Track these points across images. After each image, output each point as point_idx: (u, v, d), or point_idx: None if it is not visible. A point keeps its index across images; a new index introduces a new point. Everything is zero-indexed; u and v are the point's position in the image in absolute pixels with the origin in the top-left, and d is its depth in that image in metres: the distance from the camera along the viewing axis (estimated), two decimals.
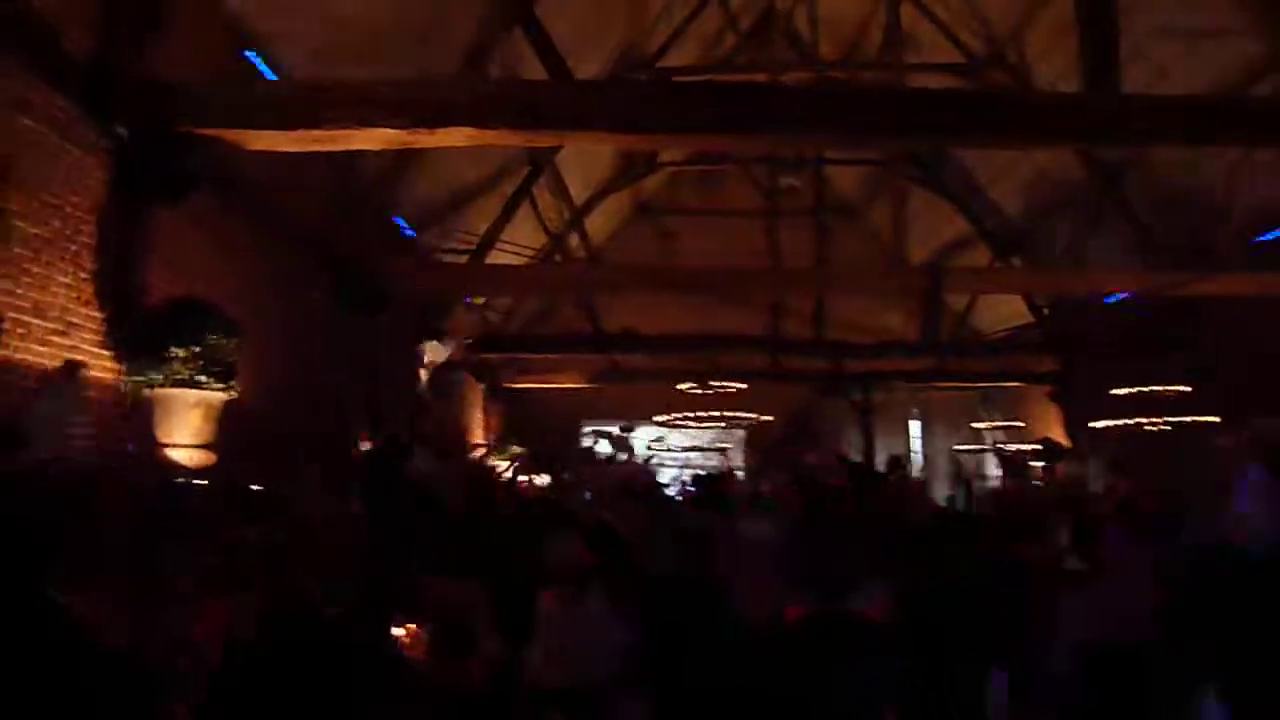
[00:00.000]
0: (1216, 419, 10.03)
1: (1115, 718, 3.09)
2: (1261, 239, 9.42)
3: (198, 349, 4.68)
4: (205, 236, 6.08)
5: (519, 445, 15.13)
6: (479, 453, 13.74)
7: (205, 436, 4.86)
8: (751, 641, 2.88)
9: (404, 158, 8.42)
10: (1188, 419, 10.12)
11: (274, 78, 6.68)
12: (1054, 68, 10.80)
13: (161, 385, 4.65)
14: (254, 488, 5.10)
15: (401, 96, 4.77)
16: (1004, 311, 15.61)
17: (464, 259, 11.56)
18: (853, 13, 13.77)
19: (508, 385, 15.35)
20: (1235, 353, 10.68)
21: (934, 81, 11.58)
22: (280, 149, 4.94)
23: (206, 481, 4.75)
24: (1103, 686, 3.11)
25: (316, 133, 4.77)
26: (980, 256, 14.94)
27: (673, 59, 13.53)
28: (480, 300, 13.80)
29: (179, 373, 4.63)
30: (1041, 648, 3.72)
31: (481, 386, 14.96)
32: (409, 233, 10.29)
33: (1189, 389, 10.53)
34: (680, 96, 5.21)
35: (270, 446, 6.06)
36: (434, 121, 4.77)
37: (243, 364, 5.29)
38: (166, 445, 4.69)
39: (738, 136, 5.39)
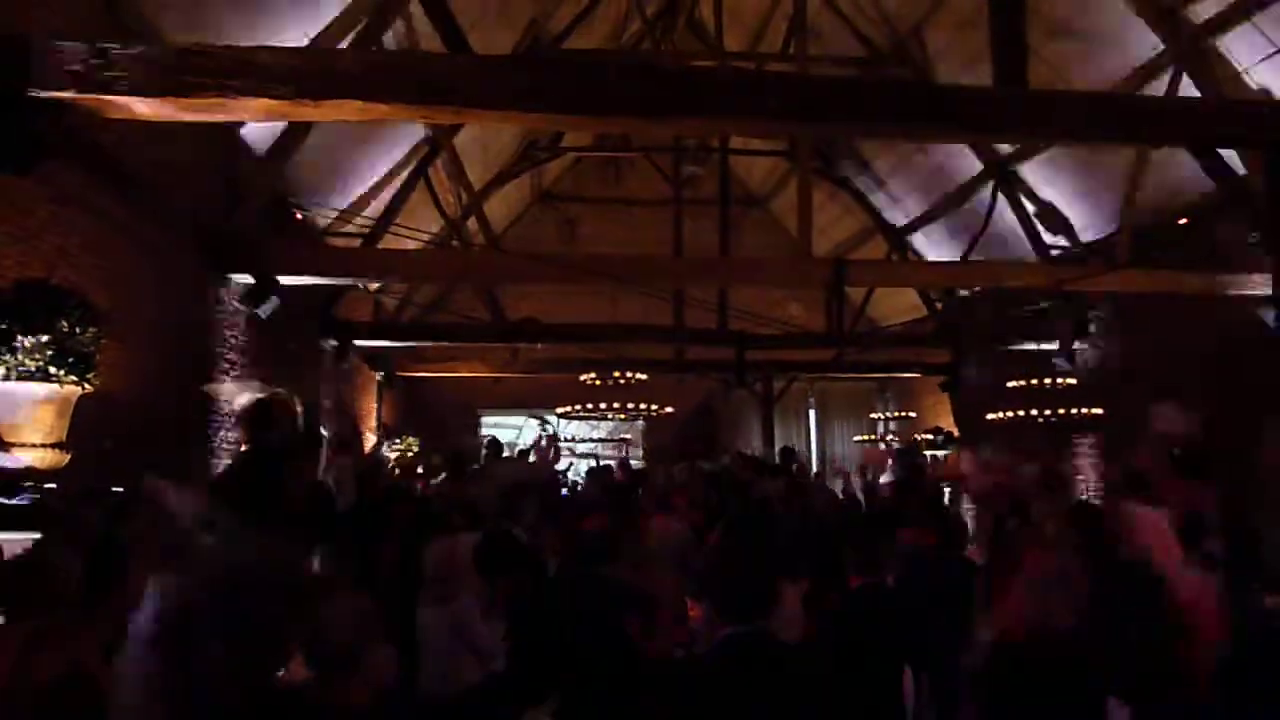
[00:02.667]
0: (1100, 411, 10.39)
1: (1029, 715, 3.00)
2: (1153, 236, 9.76)
3: (48, 338, 4.20)
4: (68, 214, 5.54)
5: (414, 436, 14.71)
6: (372, 446, 13.26)
7: (58, 434, 4.40)
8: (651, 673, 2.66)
9: (294, 133, 7.92)
10: (1074, 410, 10.46)
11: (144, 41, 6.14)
12: (954, 64, 10.98)
13: (5, 378, 4.16)
14: (116, 490, 4.64)
15: (283, 64, 4.37)
16: (899, 304, 15.92)
17: (357, 243, 11.05)
18: (757, 3, 13.76)
19: (403, 374, 14.84)
20: (1123, 346, 11.09)
21: (837, 74, 11.64)
22: (143, 118, 4.47)
23: (56, 485, 4.28)
24: (1018, 684, 3.01)
25: (184, 101, 4.33)
26: (879, 248, 15.18)
27: (578, 42, 13.26)
28: (375, 286, 13.28)
29: (25, 364, 4.15)
30: (960, 645, 3.66)
31: (377, 376, 14.42)
32: (298, 215, 9.76)
33: (1075, 382, 10.88)
34: (588, 75, 4.95)
35: (141, 444, 5.58)
36: (319, 92, 4.39)
37: (107, 356, 4.84)
38: (11, 445, 4.21)
39: (646, 119, 5.17)
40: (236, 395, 4.23)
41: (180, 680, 2.13)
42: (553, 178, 17.73)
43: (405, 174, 11.61)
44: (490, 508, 7.83)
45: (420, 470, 12.13)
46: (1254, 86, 8.06)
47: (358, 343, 12.03)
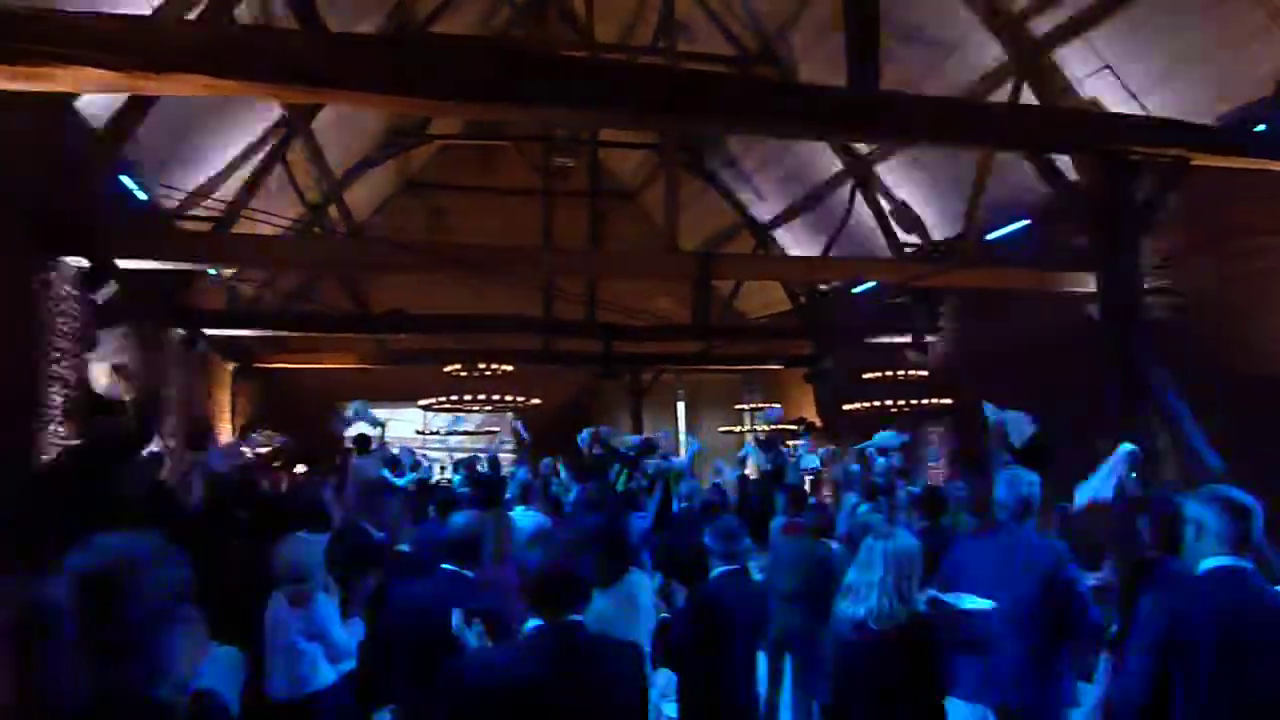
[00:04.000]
0: (950, 401, 10.95)
1: (878, 696, 3.12)
2: (997, 235, 10.33)
3: None
4: None
5: (273, 431, 14.12)
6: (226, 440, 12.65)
7: None
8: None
9: (135, 109, 7.44)
10: (925, 400, 11.00)
11: None
12: (817, 66, 11.32)
13: None
14: None
15: (121, 33, 4.10)
16: (766, 298, 16.33)
17: (208, 227, 10.52)
18: None
19: (261, 365, 14.22)
20: (973, 339, 11.70)
21: (705, 70, 11.82)
22: None
23: None
24: (871, 665, 3.12)
25: (11, 69, 4.00)
26: (745, 243, 15.53)
27: (445, 26, 12.99)
28: (229, 273, 12.67)
29: None
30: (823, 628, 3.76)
31: (230, 366, 13.77)
32: (141, 197, 9.18)
33: (927, 373, 11.43)
34: (451, 59, 4.84)
35: None
36: (162, 65, 4.14)
37: None
38: None
39: (512, 107, 5.10)
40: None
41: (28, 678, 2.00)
42: (420, 165, 17.33)
43: (261, 156, 11.12)
44: (350, 504, 7.63)
45: (277, 465, 11.68)
46: (1085, 98, 8.64)
47: (210, 332, 11.47)
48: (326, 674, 3.86)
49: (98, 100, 7.23)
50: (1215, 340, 8.40)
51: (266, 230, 9.56)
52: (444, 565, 3.55)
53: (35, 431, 6.53)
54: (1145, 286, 5.96)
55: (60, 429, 6.53)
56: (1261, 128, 6.28)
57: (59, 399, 6.69)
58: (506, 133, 15.51)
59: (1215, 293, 8.45)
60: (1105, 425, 5.81)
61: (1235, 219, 8.44)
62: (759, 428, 16.94)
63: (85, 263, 7.00)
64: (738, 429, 17.46)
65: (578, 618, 2.38)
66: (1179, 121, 6.22)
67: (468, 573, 3.50)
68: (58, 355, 7.04)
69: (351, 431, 9.92)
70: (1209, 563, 2.63)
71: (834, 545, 5.54)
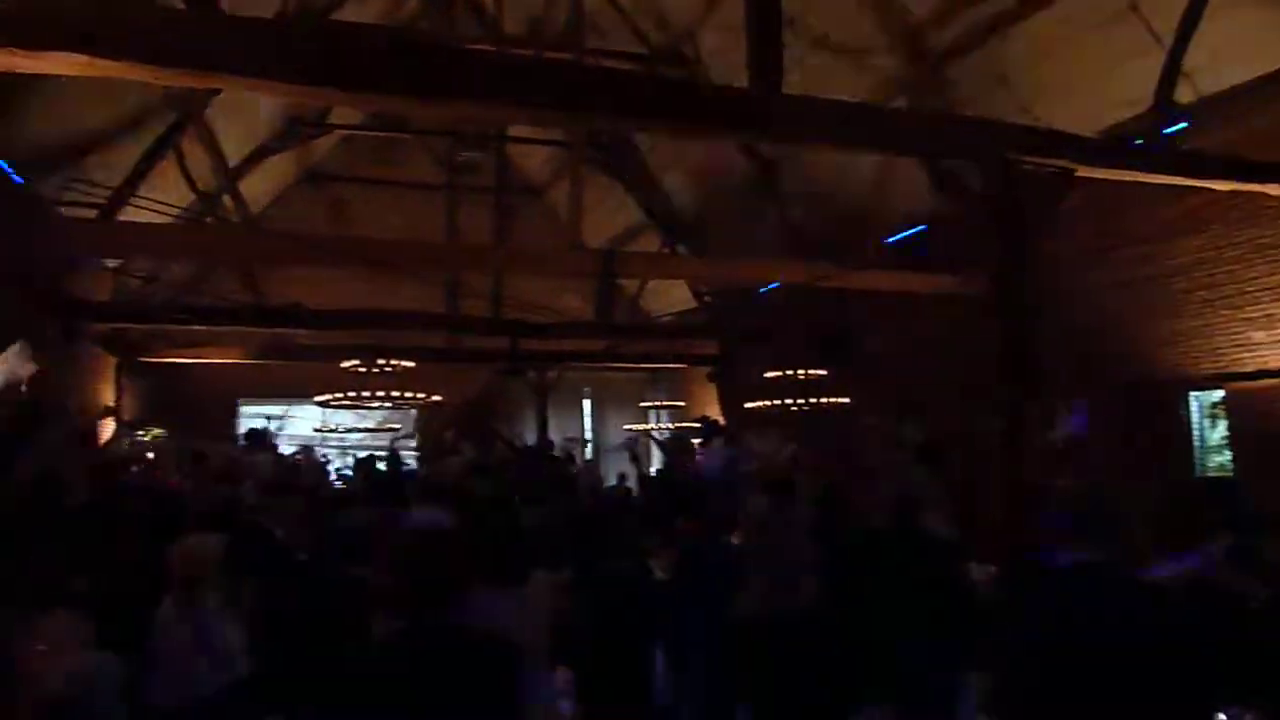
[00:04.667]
0: (848, 400, 11.22)
1: (778, 687, 3.17)
2: (896, 238, 10.64)
3: None
4: None
5: (161, 428, 13.56)
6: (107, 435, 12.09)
7: None
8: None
9: (11, 88, 7.05)
10: (825, 400, 11.24)
11: None
12: (726, 67, 11.44)
13: None
14: None
15: None
16: (672, 297, 16.46)
17: (92, 214, 10.01)
18: None
19: (149, 359, 13.62)
20: (866, 341, 12.01)
21: (612, 67, 11.82)
22: None
23: None
24: (750, 656, 3.17)
25: None
26: (652, 243, 15.60)
27: (349, 15, 12.66)
28: (114, 262, 12.10)
29: None
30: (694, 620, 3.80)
31: (115, 361, 13.16)
32: (17, 180, 8.69)
33: (826, 373, 11.68)
34: (350, 47, 4.70)
35: None
36: (38, 42, 3.91)
37: None
38: None
39: (413, 99, 4.98)
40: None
41: None
42: (321, 156, 16.86)
43: (151, 142, 10.64)
44: (248, 503, 7.36)
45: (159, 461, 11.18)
46: (979, 108, 8.97)
47: (94, 325, 10.94)
48: (211, 681, 3.72)
49: None
50: (1099, 344, 8.83)
51: (156, 219, 9.17)
52: (335, 564, 3.46)
53: None
54: (1031, 290, 6.20)
55: None
56: (1139, 142, 6.61)
57: None
58: (412, 125, 15.22)
59: (1099, 298, 8.88)
60: (996, 424, 6.03)
61: (1118, 228, 8.89)
62: (664, 426, 17.08)
63: None
64: (643, 427, 17.54)
65: (449, 616, 2.35)
66: (1065, 133, 6.49)
67: (358, 570, 3.42)
68: None
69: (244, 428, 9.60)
70: (1068, 559, 2.71)
71: (736, 542, 5.60)
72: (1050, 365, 6.09)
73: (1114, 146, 7.06)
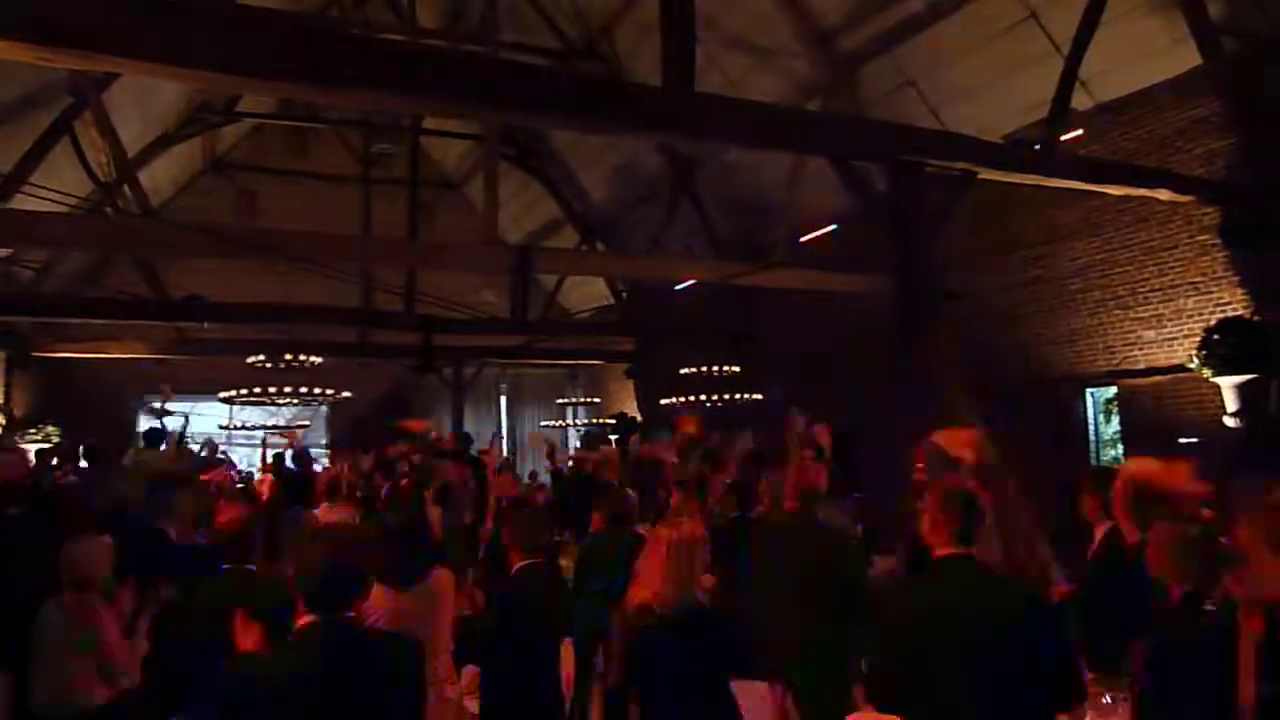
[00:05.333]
0: (760, 396, 11.38)
1: (667, 682, 3.17)
2: (808, 237, 10.83)
3: None
4: None
5: (54, 426, 12.99)
6: None
7: None
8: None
9: None
10: (737, 395, 11.40)
11: None
12: (641, 65, 11.49)
13: None
14: None
15: None
16: (588, 293, 16.46)
17: None
18: None
19: (42, 354, 13.02)
20: (778, 338, 12.21)
21: (527, 61, 11.76)
22: None
23: None
24: (659, 651, 3.18)
25: None
26: (569, 239, 15.58)
27: (258, 1, 12.29)
28: (4, 252, 11.53)
29: None
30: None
31: (4, 355, 12.55)
32: None
33: (739, 369, 11.84)
34: (253, 31, 4.56)
35: None
36: None
37: None
38: None
39: (320, 88, 4.86)
40: None
41: None
42: (229, 145, 16.35)
43: (45, 128, 10.17)
44: (138, 504, 7.09)
45: (55, 463, 10.71)
46: (887, 111, 9.19)
47: None
48: (98, 691, 3.59)
49: None
50: (995, 341, 9.15)
51: (47, 207, 8.74)
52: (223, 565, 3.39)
53: None
54: (934, 289, 6.37)
55: None
56: (1037, 147, 6.87)
57: None
58: (324, 115, 14.87)
59: (996, 297, 9.20)
60: (903, 419, 6.19)
61: (1014, 229, 9.23)
62: (580, 422, 17.09)
63: None
64: (559, 423, 17.51)
65: (350, 614, 2.33)
66: (968, 137, 6.70)
67: (250, 568, 3.35)
68: None
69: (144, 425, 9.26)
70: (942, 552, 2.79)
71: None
72: (948, 362, 6.27)
73: (1014, 151, 7.32)
